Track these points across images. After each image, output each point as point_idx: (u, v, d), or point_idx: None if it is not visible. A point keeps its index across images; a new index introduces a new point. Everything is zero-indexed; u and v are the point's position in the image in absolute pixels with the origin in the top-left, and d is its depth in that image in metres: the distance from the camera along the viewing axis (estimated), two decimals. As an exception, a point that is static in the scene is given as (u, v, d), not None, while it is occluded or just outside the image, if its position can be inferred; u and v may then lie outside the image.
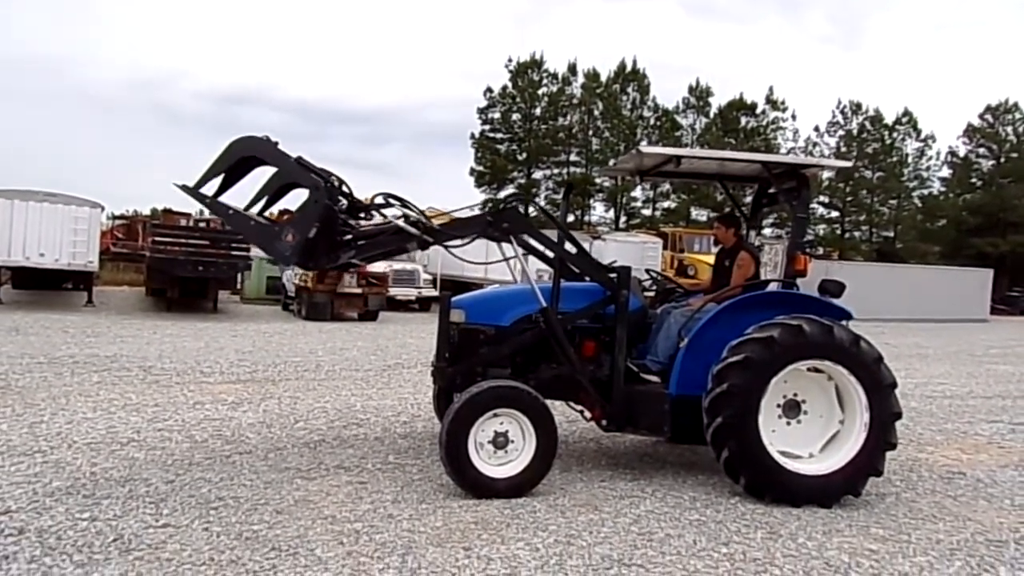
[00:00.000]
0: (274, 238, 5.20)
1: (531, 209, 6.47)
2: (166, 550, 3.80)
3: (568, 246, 5.64)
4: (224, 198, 5.39)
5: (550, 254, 5.58)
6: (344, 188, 5.49)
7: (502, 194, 46.87)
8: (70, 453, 5.48)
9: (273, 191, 5.38)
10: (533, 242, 5.59)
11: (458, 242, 5.53)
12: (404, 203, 5.46)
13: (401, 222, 5.35)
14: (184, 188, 5.27)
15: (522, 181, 50.80)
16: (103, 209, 18.91)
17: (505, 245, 5.51)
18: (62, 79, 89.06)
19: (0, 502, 4.37)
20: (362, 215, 5.68)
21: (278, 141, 5.27)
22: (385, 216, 5.54)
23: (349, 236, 5.46)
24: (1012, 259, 45.62)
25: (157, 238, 17.89)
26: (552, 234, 5.67)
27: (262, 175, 5.39)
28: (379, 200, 5.54)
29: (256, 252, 22.48)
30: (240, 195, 5.45)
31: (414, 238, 5.35)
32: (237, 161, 5.27)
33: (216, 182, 5.32)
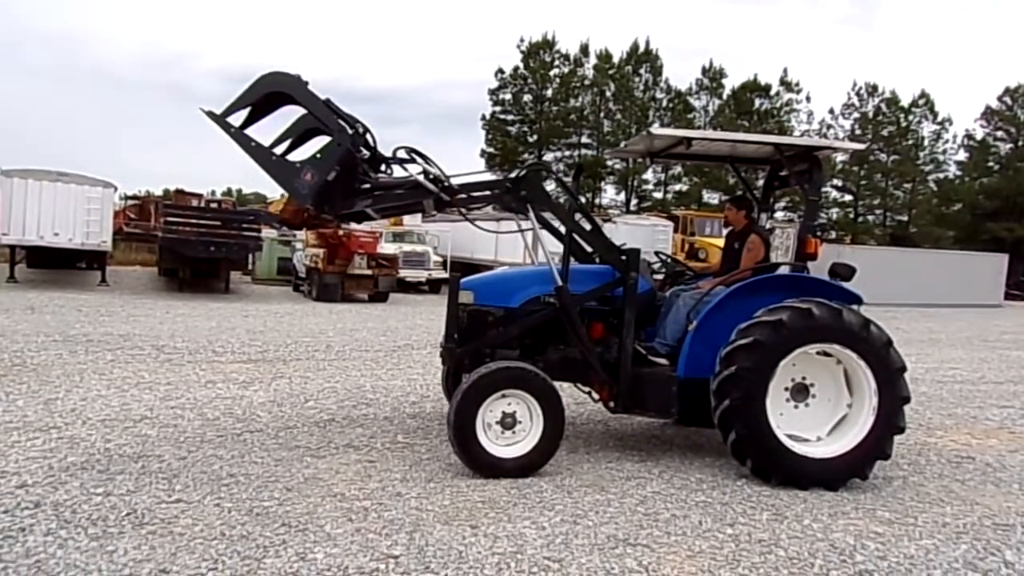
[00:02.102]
0: (293, 176, 5.20)
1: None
2: (178, 525, 3.87)
3: (583, 223, 5.62)
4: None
5: (563, 229, 5.55)
6: (368, 137, 5.48)
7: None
8: (84, 429, 5.56)
9: (298, 134, 5.38)
10: (547, 215, 5.58)
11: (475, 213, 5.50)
12: (426, 159, 5.45)
13: (420, 177, 5.34)
14: (210, 115, 5.26)
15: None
16: (116, 189, 19.03)
17: (509, 224, 5.50)
18: (76, 58, 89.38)
19: (17, 476, 4.45)
20: (383, 168, 5.67)
21: (308, 81, 5.26)
22: (406, 170, 5.53)
23: (367, 185, 5.46)
24: (1028, 244, 45.05)
25: (169, 218, 17.98)
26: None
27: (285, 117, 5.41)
28: (401, 154, 5.52)
29: (267, 233, 22.61)
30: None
31: (431, 194, 5.33)
32: (265, 96, 5.27)
33: (243, 115, 5.33)
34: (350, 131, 5.26)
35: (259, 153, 5.28)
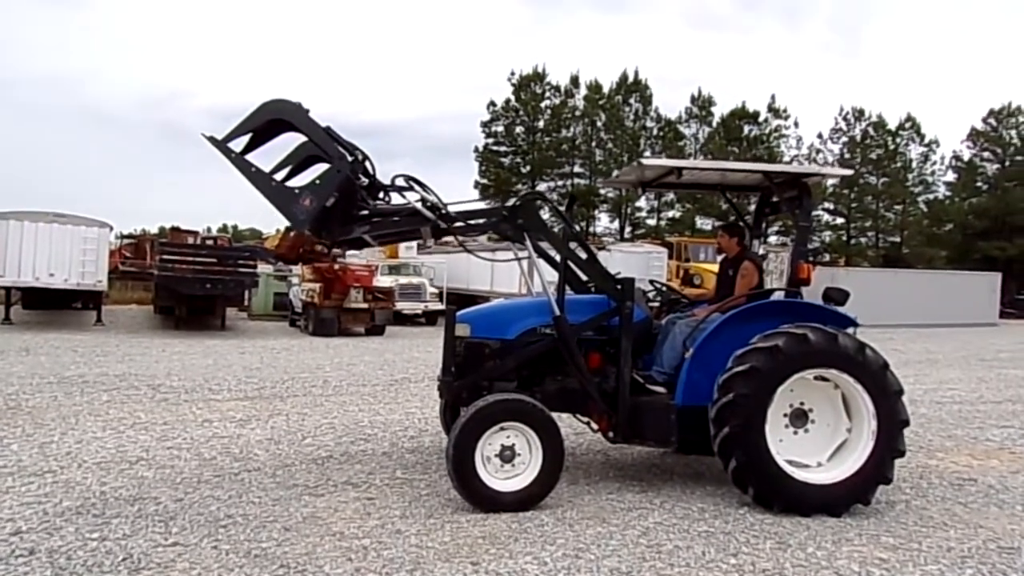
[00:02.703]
0: (292, 201, 5.20)
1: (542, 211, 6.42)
2: (175, 569, 3.82)
3: (579, 252, 5.66)
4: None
5: (559, 257, 5.58)
6: (368, 165, 5.52)
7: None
8: (80, 473, 5.51)
9: (298, 161, 5.41)
10: (544, 245, 5.61)
11: (472, 241, 5.51)
12: (424, 187, 5.49)
13: (418, 205, 5.37)
14: (211, 140, 5.29)
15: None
16: (111, 229, 19.07)
17: (510, 254, 5.54)
18: (71, 98, 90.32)
19: (11, 522, 4.39)
20: (381, 195, 5.69)
21: (309, 109, 5.31)
22: (404, 197, 5.56)
23: (365, 212, 5.48)
24: (1020, 262, 45.36)
25: (165, 256, 18.00)
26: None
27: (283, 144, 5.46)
28: (400, 182, 5.56)
29: (263, 268, 22.63)
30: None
31: (429, 222, 5.35)
32: (267, 123, 5.30)
33: (243, 142, 5.36)
34: (350, 158, 5.31)
35: (258, 178, 5.30)
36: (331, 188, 5.18)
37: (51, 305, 19.50)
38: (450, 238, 5.91)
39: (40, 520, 4.46)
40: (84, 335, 15.86)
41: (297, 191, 5.26)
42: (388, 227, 5.54)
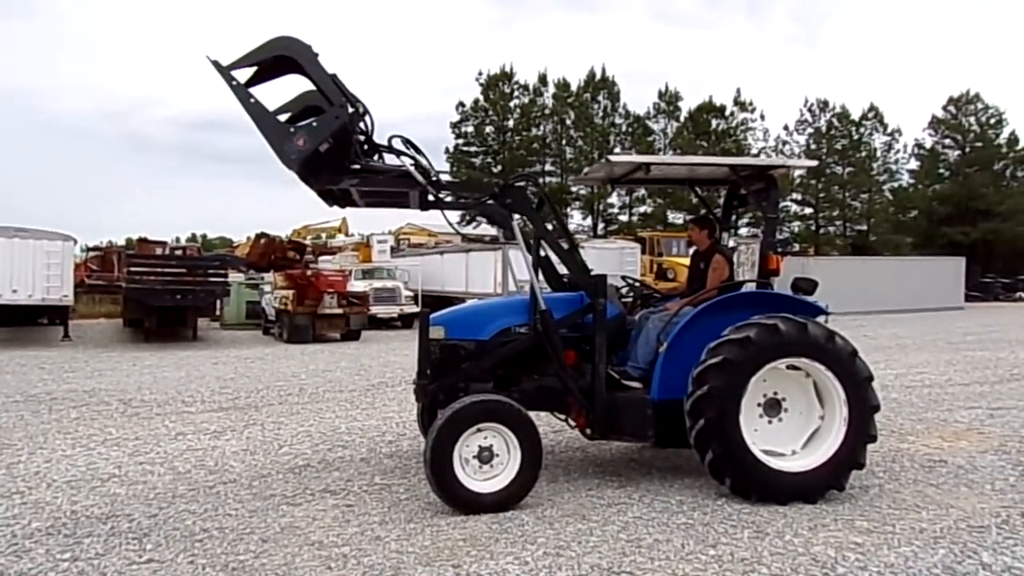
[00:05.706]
0: (285, 139, 5.09)
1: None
2: (151, 586, 3.75)
3: (562, 243, 5.66)
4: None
5: (544, 246, 5.54)
6: (367, 121, 5.45)
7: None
8: (49, 492, 5.39)
9: (300, 109, 5.33)
10: (526, 231, 5.58)
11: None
12: (419, 151, 5.44)
13: (411, 168, 5.30)
14: (216, 64, 5.15)
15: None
16: (75, 242, 18.67)
17: (484, 254, 5.51)
18: (31, 111, 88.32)
19: (-22, 547, 4.28)
20: (376, 157, 5.58)
21: (319, 53, 5.21)
22: (399, 159, 5.48)
23: (357, 167, 5.39)
24: (983, 246, 46.49)
25: (132, 268, 17.66)
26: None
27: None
28: (396, 143, 5.48)
29: (234, 277, 22.34)
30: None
31: (419, 186, 5.31)
32: (273, 59, 5.20)
33: (248, 74, 5.26)
34: (351, 110, 5.23)
35: (255, 110, 5.18)
36: (326, 132, 5.09)
37: (15, 322, 18.99)
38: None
39: (8, 543, 4.35)
40: (51, 351, 15.52)
41: (292, 129, 5.16)
42: (377, 184, 5.47)
